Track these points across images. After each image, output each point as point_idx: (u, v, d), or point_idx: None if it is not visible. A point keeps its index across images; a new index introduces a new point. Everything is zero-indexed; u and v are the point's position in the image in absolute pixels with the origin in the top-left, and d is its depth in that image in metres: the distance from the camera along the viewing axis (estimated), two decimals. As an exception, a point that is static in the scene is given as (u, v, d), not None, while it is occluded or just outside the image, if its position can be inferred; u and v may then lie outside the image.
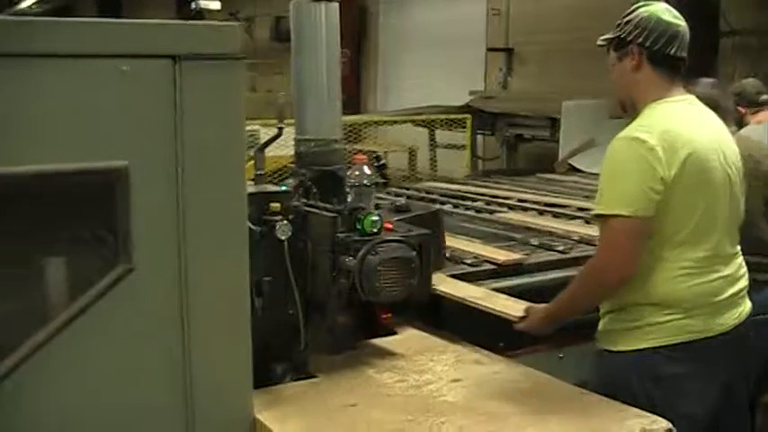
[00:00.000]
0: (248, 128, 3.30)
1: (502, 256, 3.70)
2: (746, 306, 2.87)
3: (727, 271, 2.79)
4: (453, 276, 3.38)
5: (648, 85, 2.79)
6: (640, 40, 2.77)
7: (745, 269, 2.89)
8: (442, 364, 2.84)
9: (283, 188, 2.81)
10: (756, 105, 4.53)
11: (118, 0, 20.29)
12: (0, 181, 2.00)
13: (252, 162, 2.75)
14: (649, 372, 2.69)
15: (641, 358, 2.71)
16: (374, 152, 8.22)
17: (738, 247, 2.89)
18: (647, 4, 2.83)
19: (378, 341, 2.99)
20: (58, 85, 2.03)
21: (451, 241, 3.80)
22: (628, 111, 2.87)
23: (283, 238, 2.60)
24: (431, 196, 5.77)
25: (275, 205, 2.62)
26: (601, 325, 2.85)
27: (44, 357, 2.07)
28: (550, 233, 4.32)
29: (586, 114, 8.40)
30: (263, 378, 2.55)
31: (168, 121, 2.15)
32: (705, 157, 2.70)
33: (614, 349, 2.78)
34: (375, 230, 2.75)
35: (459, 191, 6.02)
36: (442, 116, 9.82)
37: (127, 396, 2.20)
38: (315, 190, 2.94)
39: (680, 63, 2.80)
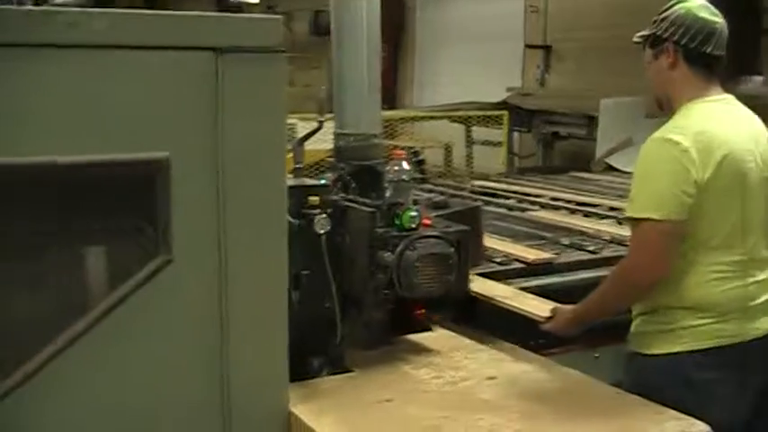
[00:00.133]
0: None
1: (531, 254, 3.70)
2: (782, 311, 2.82)
3: (762, 276, 2.75)
4: (482, 275, 3.37)
5: (684, 83, 2.75)
6: (676, 37, 2.73)
7: (780, 273, 2.84)
8: (477, 362, 2.83)
9: (322, 182, 2.82)
10: None
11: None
12: (41, 170, 2.02)
13: (290, 155, 2.75)
14: (681, 376, 2.65)
15: (674, 362, 2.67)
16: (411, 148, 8.22)
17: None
18: (685, 1, 2.78)
19: (413, 337, 2.98)
20: (98, 76, 2.04)
21: (482, 239, 3.79)
22: (664, 109, 2.83)
23: (321, 231, 2.60)
24: (461, 194, 5.74)
25: (314, 199, 2.62)
26: (633, 327, 2.83)
27: (83, 347, 2.08)
28: (581, 233, 4.30)
29: (624, 112, 8.31)
30: (300, 371, 2.55)
31: (210, 114, 2.16)
32: (741, 159, 2.66)
33: (647, 352, 2.75)
34: (413, 226, 2.74)
35: (491, 188, 6.00)
36: (479, 112, 9.77)
37: (164, 386, 2.21)
38: (353, 184, 2.94)
39: (716, 61, 2.76)
